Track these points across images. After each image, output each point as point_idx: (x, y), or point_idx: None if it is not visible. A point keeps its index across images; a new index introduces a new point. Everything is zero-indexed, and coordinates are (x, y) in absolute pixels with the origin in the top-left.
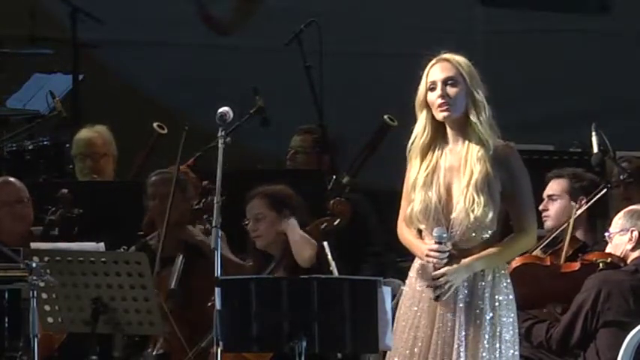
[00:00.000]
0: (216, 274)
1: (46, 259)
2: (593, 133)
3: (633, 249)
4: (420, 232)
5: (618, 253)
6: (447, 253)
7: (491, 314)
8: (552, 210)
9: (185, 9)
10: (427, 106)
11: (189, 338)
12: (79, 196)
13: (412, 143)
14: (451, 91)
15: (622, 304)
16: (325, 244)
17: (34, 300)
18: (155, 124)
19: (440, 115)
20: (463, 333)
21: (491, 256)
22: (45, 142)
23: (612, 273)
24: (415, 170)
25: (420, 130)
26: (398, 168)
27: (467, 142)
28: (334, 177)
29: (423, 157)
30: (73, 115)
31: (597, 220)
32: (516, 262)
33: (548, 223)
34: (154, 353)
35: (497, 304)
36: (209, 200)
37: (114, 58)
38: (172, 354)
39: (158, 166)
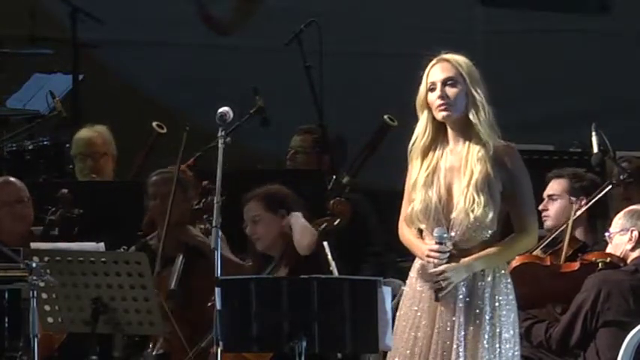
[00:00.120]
0: (216, 274)
1: (46, 259)
2: (593, 133)
3: (633, 249)
4: (420, 232)
5: (618, 253)
6: (448, 254)
7: (490, 314)
8: (552, 210)
9: (185, 9)
10: (428, 106)
11: (190, 338)
12: (79, 196)
13: (413, 144)
14: (450, 91)
15: (622, 303)
16: (325, 244)
17: (34, 300)
18: (154, 124)
19: (439, 116)
20: (462, 333)
21: (491, 256)
22: (45, 142)
23: (612, 273)
24: (416, 170)
25: (421, 131)
26: (398, 168)
27: (467, 142)
28: (334, 177)
29: (424, 157)
30: (73, 115)
31: (597, 220)
32: (516, 262)
33: (548, 223)
34: (154, 353)
35: (497, 304)
36: (209, 200)
37: (114, 58)
38: (172, 354)
39: (157, 165)
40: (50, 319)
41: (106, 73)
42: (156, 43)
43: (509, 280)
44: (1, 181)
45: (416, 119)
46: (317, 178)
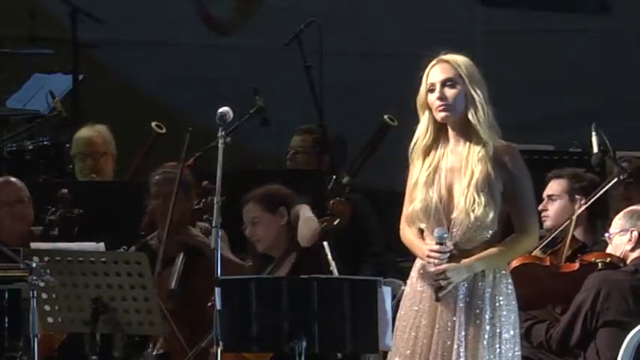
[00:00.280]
0: (216, 274)
1: (46, 259)
2: (593, 133)
3: (633, 249)
4: (422, 231)
5: (618, 254)
6: (448, 254)
7: (491, 314)
8: (552, 210)
9: (185, 9)
10: (429, 107)
11: (190, 338)
12: (78, 196)
13: (414, 144)
14: (449, 92)
15: (621, 303)
16: (325, 244)
17: (34, 300)
18: (153, 124)
19: (439, 117)
20: (463, 333)
21: (492, 257)
22: (45, 142)
23: (612, 273)
24: (417, 170)
25: (423, 131)
26: (398, 168)
27: (468, 142)
28: (334, 177)
29: (425, 156)
30: (73, 115)
31: (597, 220)
32: (516, 263)
33: (548, 223)
34: (154, 353)
35: (497, 304)
36: (209, 200)
37: (114, 58)
38: (172, 354)
39: (156, 165)
40: (50, 319)
41: (106, 73)
42: (156, 43)
43: (509, 281)
44: (2, 181)
45: (416, 119)
46: (317, 178)
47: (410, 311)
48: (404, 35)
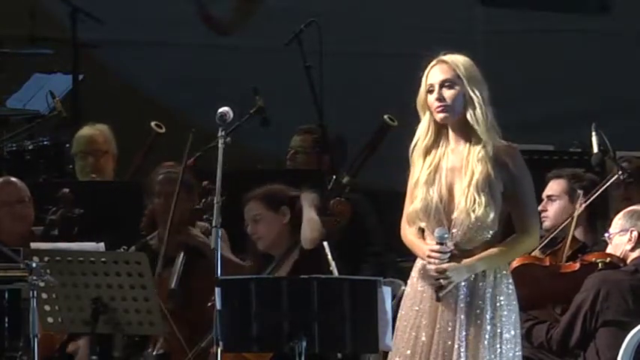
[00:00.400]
0: (216, 274)
1: (46, 259)
2: (593, 133)
3: (633, 249)
4: (422, 231)
5: (618, 254)
6: (449, 254)
7: (492, 314)
8: (551, 211)
9: (185, 9)
10: (429, 107)
11: (190, 338)
12: (78, 196)
13: (415, 144)
14: (447, 93)
15: (621, 303)
16: (325, 244)
17: (34, 300)
18: (153, 123)
19: (437, 117)
20: (464, 333)
21: (492, 257)
22: (45, 142)
23: (611, 273)
24: (418, 169)
25: (424, 131)
26: (398, 168)
27: (468, 142)
28: (334, 177)
29: (426, 156)
30: (73, 115)
31: (597, 220)
32: (515, 263)
33: (547, 224)
34: (154, 353)
35: (498, 304)
36: (209, 200)
37: (114, 58)
38: (172, 354)
39: (156, 165)
40: (50, 319)
41: (106, 73)
42: (156, 43)
43: (510, 281)
44: (2, 181)
45: (416, 119)
46: (317, 178)
47: (410, 311)
48: (404, 35)
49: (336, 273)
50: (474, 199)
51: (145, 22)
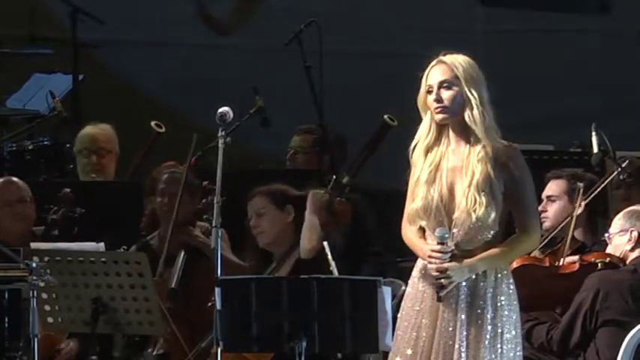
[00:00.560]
0: (216, 274)
1: (46, 259)
2: (593, 133)
3: (632, 249)
4: (423, 231)
5: (618, 254)
6: (450, 254)
7: (492, 314)
8: (551, 211)
9: (185, 9)
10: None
11: (190, 338)
12: (79, 196)
13: (416, 143)
14: (446, 94)
15: (621, 303)
16: (325, 244)
17: (34, 300)
18: (153, 123)
19: (436, 118)
20: (464, 333)
21: (493, 257)
22: (45, 142)
23: (611, 272)
24: (419, 168)
25: (425, 131)
26: (398, 168)
27: (468, 143)
28: (334, 177)
29: (427, 154)
30: (73, 115)
31: (597, 220)
32: (515, 264)
33: (547, 224)
34: (154, 353)
35: (499, 304)
36: (209, 200)
37: (114, 58)
38: (172, 354)
39: (156, 165)
40: (50, 319)
41: (106, 73)
42: (156, 43)
43: (511, 281)
44: (4, 181)
45: (415, 119)
46: (317, 178)
47: (411, 311)
48: (404, 35)
49: (336, 273)
50: (475, 200)
51: (145, 22)
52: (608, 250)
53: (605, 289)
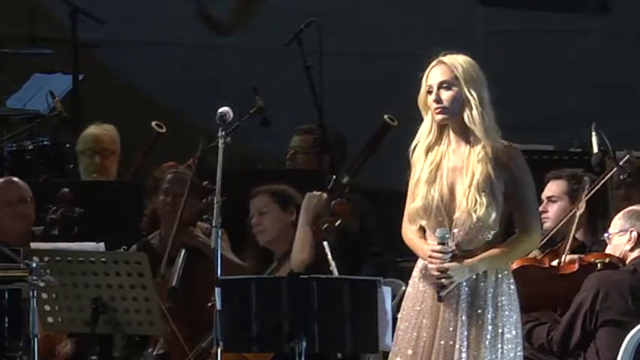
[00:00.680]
0: (216, 274)
1: (46, 259)
2: (593, 133)
3: (632, 249)
4: (423, 230)
5: (617, 254)
6: (450, 254)
7: (493, 314)
8: (552, 212)
9: (185, 9)
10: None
11: (190, 338)
12: (79, 196)
13: (417, 143)
14: (445, 94)
15: (621, 303)
16: (325, 244)
17: (34, 300)
18: (153, 123)
19: (436, 119)
20: (465, 333)
21: (494, 257)
22: (45, 142)
23: (611, 272)
24: (420, 167)
25: (426, 131)
26: (398, 168)
27: (469, 143)
28: (334, 177)
29: (428, 154)
30: (73, 115)
31: (597, 220)
32: (515, 265)
33: (548, 225)
34: (154, 353)
35: (499, 304)
36: (209, 200)
37: (114, 58)
38: (172, 354)
39: (156, 165)
40: (50, 319)
41: (106, 73)
42: (156, 43)
43: (511, 281)
44: (4, 181)
45: (415, 119)
46: (317, 178)
47: (412, 311)
48: (404, 35)
49: (336, 273)
50: (476, 200)
51: (145, 22)
52: (608, 250)
53: (605, 290)
